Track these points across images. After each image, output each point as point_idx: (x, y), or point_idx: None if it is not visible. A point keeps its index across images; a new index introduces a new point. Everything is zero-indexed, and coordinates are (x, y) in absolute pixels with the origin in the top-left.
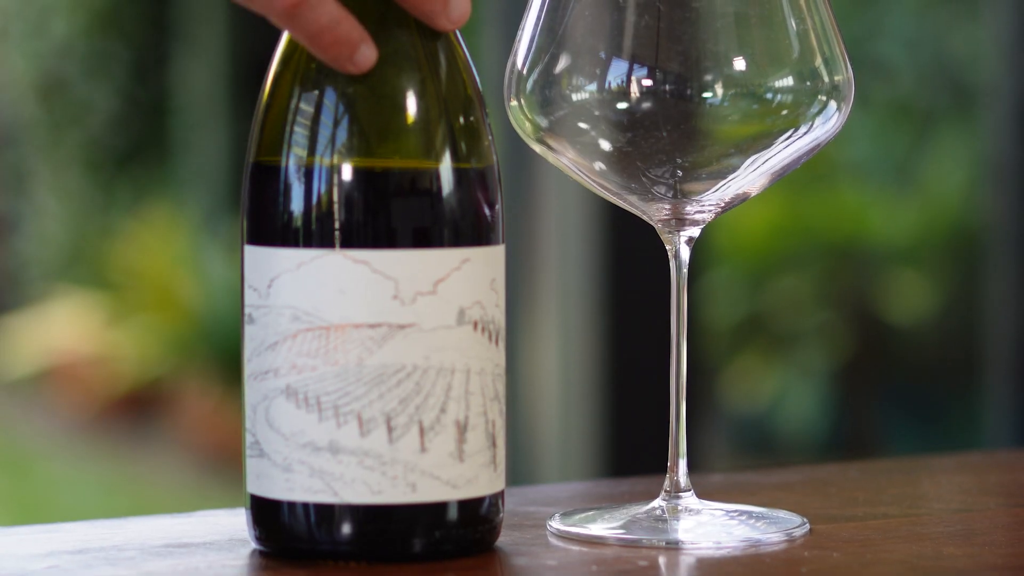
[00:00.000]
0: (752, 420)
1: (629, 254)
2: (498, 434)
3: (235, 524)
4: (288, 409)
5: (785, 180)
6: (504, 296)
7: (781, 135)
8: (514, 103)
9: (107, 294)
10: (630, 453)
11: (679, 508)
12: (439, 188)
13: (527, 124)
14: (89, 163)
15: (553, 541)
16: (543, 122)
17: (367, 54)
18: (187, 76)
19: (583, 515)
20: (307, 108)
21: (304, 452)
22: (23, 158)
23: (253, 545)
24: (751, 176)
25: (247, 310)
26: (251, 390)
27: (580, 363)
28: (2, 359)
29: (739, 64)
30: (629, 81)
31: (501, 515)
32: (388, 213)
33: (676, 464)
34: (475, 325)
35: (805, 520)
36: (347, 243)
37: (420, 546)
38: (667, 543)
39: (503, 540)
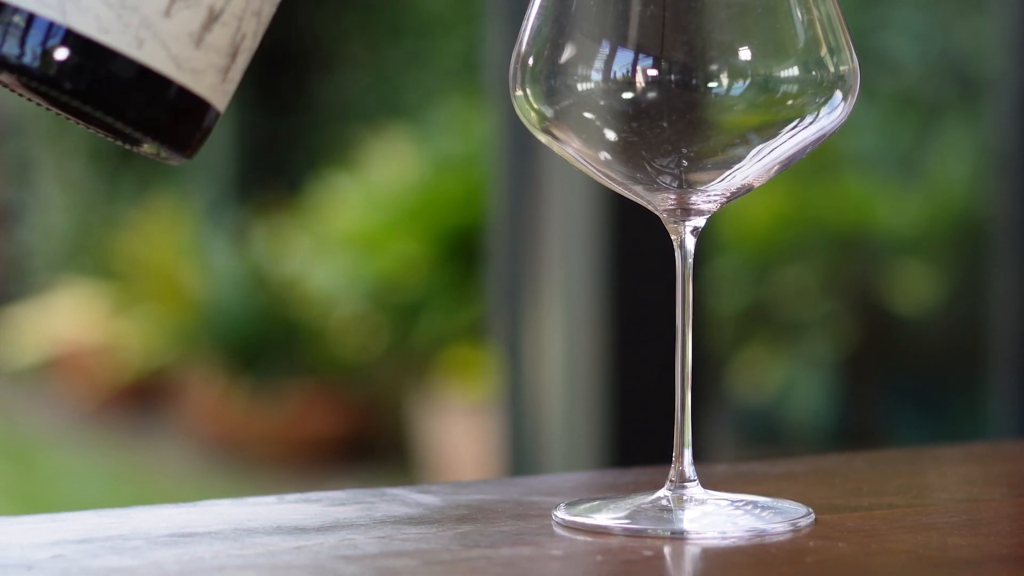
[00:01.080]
0: (757, 410)
1: (634, 244)
2: (242, 52)
3: (240, 514)
4: None
5: (790, 170)
6: None
7: (786, 125)
8: (519, 93)
9: (111, 284)
10: (635, 443)
11: (684, 498)
12: None
13: (532, 114)
14: (93, 153)
15: (558, 531)
16: (548, 112)
17: None
18: None
19: (588, 505)
20: None
21: None
22: (27, 148)
23: None
24: (756, 166)
25: None
26: None
27: (585, 353)
28: (7, 349)
29: (744, 54)
30: (634, 71)
31: (200, 134)
32: None
33: (681, 454)
34: None
35: (810, 510)
36: None
37: (114, 102)
38: (672, 533)
39: (508, 529)
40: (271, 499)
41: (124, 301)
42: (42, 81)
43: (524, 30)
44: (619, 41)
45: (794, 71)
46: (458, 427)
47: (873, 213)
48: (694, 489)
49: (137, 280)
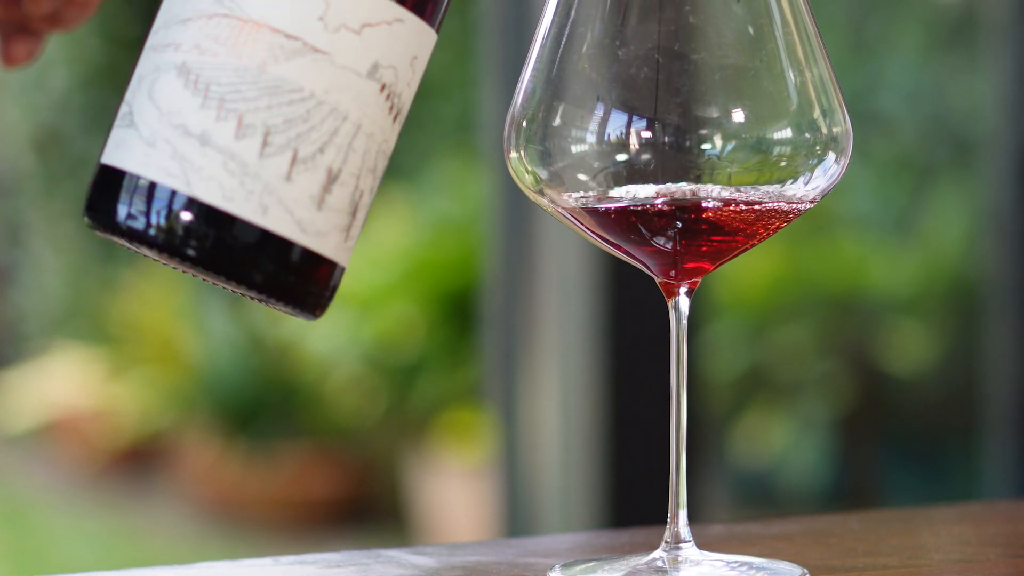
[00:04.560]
0: (753, 471)
1: (629, 305)
2: (361, 209)
3: None
4: (175, 86)
5: (785, 232)
6: (417, 85)
7: (780, 186)
8: (514, 155)
9: (107, 347)
10: (631, 504)
11: (679, 559)
12: None
13: (527, 176)
14: None
15: None
16: (543, 173)
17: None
18: None
19: (584, 566)
20: None
21: (174, 132)
22: (20, 211)
23: (85, 219)
24: None
25: None
26: (145, 60)
27: (581, 414)
28: (3, 413)
29: (738, 116)
30: (628, 133)
31: (329, 293)
32: None
33: (676, 515)
34: (383, 87)
35: (805, 571)
36: None
37: (241, 269)
38: None
39: None
40: (267, 561)
41: (120, 365)
42: (167, 251)
43: (518, 93)
44: (613, 103)
45: (787, 133)
46: (454, 489)
47: (868, 274)
48: (689, 550)
49: (133, 343)
